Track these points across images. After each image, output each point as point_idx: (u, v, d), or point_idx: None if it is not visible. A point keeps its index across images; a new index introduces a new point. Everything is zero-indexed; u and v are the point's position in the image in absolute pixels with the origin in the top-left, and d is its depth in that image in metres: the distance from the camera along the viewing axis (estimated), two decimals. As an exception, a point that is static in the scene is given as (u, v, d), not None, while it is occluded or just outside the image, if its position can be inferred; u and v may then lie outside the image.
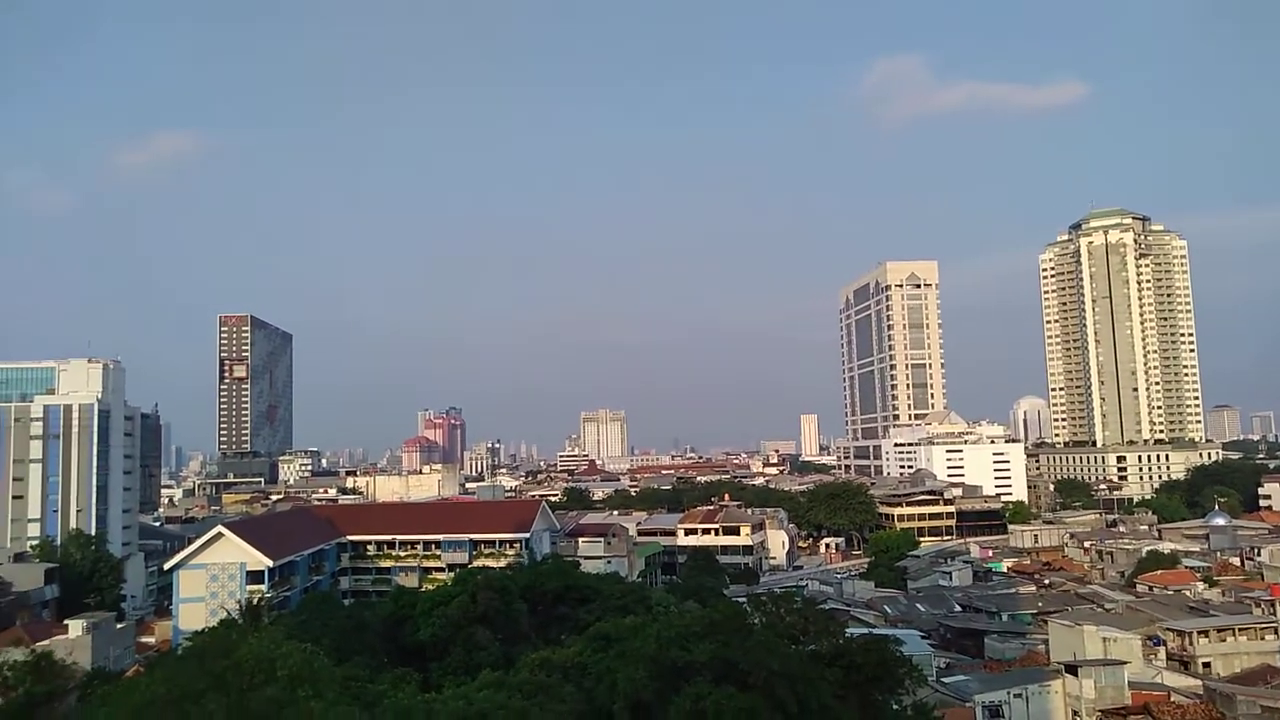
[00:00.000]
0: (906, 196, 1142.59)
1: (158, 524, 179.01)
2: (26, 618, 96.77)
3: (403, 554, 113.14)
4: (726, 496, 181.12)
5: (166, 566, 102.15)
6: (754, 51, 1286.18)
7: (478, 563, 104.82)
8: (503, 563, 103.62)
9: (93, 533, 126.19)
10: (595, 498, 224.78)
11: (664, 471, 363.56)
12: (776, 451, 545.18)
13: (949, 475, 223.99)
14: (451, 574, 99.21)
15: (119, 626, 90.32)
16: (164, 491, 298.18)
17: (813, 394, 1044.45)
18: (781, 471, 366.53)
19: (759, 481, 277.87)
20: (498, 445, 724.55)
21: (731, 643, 44.31)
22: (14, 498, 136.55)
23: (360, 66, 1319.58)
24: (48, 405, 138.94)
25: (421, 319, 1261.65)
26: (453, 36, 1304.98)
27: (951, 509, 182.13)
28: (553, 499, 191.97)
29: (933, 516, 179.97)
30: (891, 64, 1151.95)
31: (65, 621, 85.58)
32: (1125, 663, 61.24)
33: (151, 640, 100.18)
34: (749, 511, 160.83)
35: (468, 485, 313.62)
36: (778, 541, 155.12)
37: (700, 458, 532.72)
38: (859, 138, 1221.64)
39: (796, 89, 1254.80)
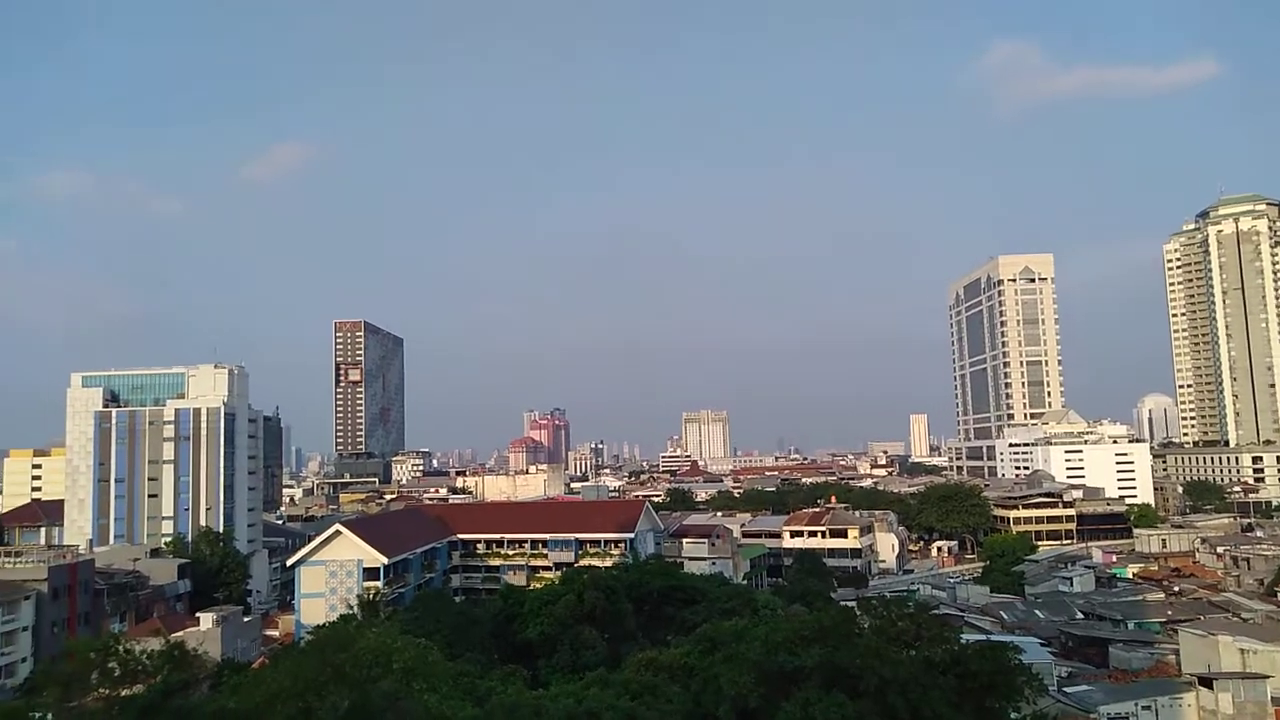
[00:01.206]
0: (1020, 188, 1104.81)
1: (280, 522, 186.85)
2: (162, 610, 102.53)
3: (511, 552, 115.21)
4: (833, 498, 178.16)
5: (289, 563, 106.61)
6: (860, 43, 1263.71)
7: (583, 562, 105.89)
8: (608, 562, 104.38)
9: (221, 530, 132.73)
10: (698, 499, 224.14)
11: (768, 473, 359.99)
12: (884, 452, 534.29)
13: (1068, 477, 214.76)
14: (558, 573, 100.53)
15: (246, 620, 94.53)
16: (285, 491, 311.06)
17: (922, 393, 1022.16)
18: (890, 473, 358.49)
19: (867, 483, 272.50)
20: (601, 446, 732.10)
21: (841, 648, 43.38)
22: (149, 496, 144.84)
23: (467, 80, 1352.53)
24: (179, 409, 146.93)
25: (527, 321, 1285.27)
26: (543, 55, 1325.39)
27: (1071, 512, 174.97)
28: (656, 499, 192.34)
29: (1051, 520, 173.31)
30: (1005, 50, 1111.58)
31: (197, 614, 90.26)
32: (1268, 677, 57.45)
33: (275, 633, 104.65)
34: (857, 514, 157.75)
35: (572, 485, 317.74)
36: (887, 544, 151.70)
37: (805, 459, 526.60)
38: (969, 128, 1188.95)
39: (903, 80, 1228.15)
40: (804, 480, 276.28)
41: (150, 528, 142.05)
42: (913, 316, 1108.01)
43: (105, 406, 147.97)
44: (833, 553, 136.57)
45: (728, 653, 51.37)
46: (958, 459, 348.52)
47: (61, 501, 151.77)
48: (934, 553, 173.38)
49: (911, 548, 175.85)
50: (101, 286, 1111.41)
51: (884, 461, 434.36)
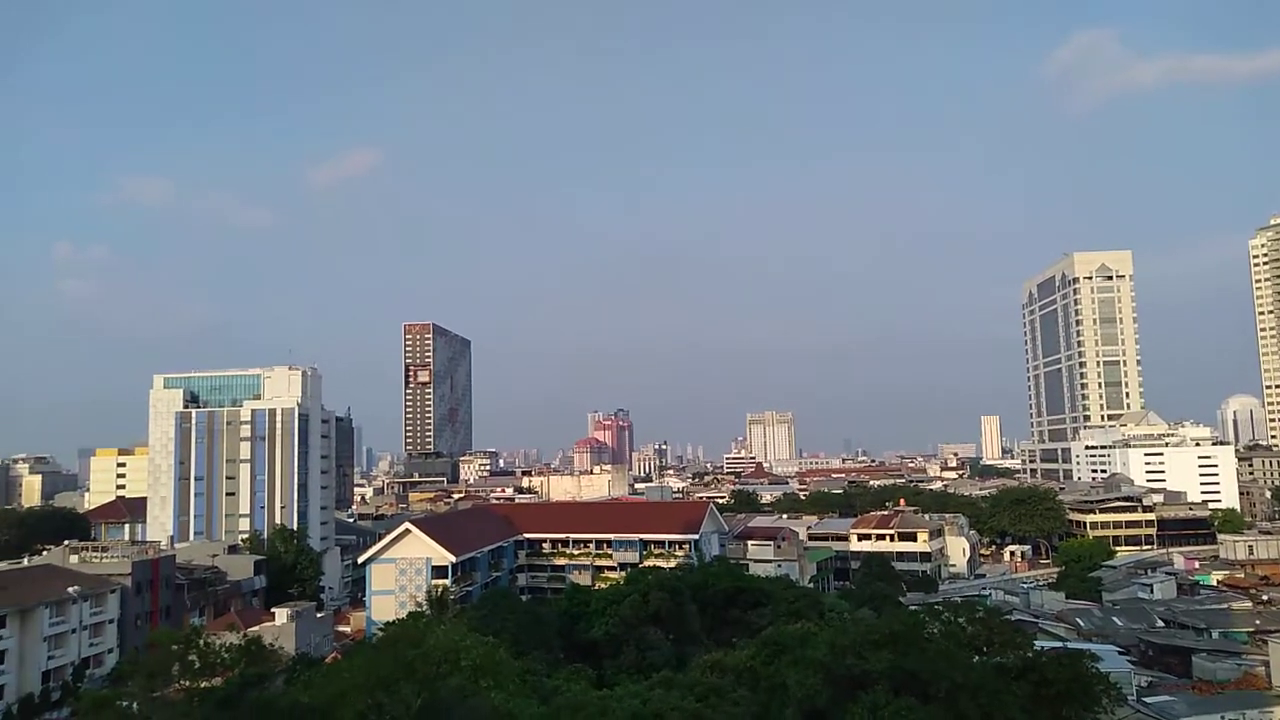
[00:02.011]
0: (1096, 183, 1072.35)
1: (351, 520, 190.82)
2: (239, 605, 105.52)
3: (576, 552, 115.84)
4: (902, 501, 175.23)
5: (360, 560, 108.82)
6: (928, 36, 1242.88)
7: (648, 562, 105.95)
8: (672, 563, 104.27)
9: (295, 528, 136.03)
10: (763, 501, 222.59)
11: (834, 475, 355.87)
12: (955, 455, 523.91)
13: (1148, 480, 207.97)
14: (623, 573, 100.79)
15: (319, 615, 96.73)
16: (356, 490, 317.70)
17: (994, 394, 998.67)
18: (961, 475, 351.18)
19: (936, 486, 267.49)
20: (664, 447, 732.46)
21: (911, 653, 42.68)
22: (227, 494, 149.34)
23: (533, 81, 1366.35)
24: (255, 410, 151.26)
25: (592, 322, 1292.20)
26: (620, 60, 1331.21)
27: (1151, 517, 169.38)
28: (720, 501, 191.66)
29: (1130, 525, 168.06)
30: (1082, 40, 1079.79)
31: (272, 609, 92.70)
32: (1364, 691, 54.85)
33: (347, 629, 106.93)
34: (926, 517, 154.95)
35: (636, 486, 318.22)
36: (958, 548, 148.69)
37: (873, 461, 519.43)
38: (1043, 122, 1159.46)
39: (976, 74, 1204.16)
40: (872, 483, 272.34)
41: (228, 525, 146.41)
42: (984, 316, 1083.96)
43: (186, 407, 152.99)
44: (901, 556, 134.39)
45: (794, 656, 50.89)
46: (1031, 461, 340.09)
47: (145, 499, 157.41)
48: (1006, 557, 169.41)
49: (983, 552, 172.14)
50: (183, 291, 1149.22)
51: (954, 464, 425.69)
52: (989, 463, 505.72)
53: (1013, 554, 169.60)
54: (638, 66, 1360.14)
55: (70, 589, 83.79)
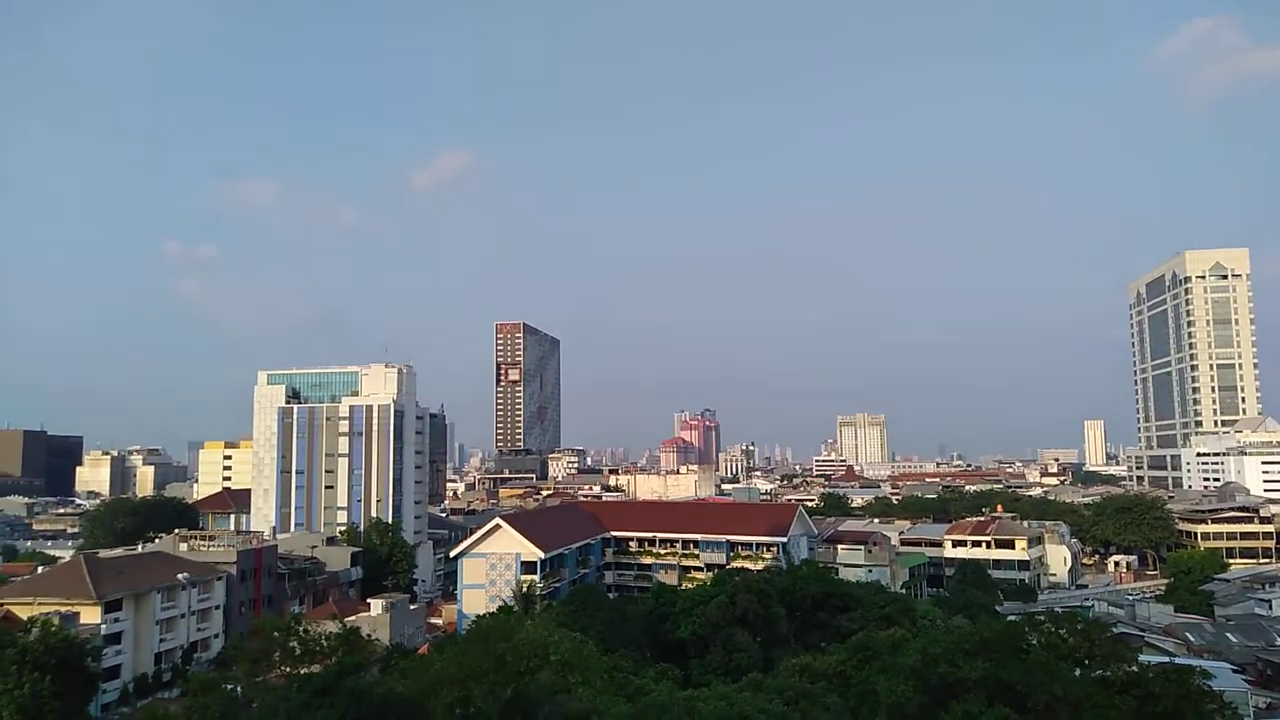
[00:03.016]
0: (1210, 178, 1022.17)
1: (444, 515, 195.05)
2: (337, 594, 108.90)
3: (663, 551, 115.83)
4: (999, 507, 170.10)
5: (451, 554, 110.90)
6: (1037, 26, 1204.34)
7: (735, 564, 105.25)
8: (759, 565, 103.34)
9: (390, 521, 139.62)
10: (854, 504, 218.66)
11: (928, 479, 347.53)
12: (1056, 460, 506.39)
13: (1265, 490, 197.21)
14: (710, 574, 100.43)
15: (412, 607, 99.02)
16: (448, 485, 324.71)
17: (1098, 398, 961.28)
18: (1062, 482, 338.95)
19: (1036, 492, 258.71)
20: (752, 448, 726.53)
21: (1007, 662, 41.25)
22: (326, 488, 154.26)
23: (625, 78, 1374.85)
24: (353, 406, 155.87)
25: (679, 322, 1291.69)
26: (688, 57, 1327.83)
27: (1270, 528, 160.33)
28: (809, 504, 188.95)
29: (1245, 536, 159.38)
30: (1198, 28, 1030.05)
31: (368, 600, 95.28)
32: None
33: (439, 621, 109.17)
34: (1025, 524, 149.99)
35: (723, 487, 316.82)
36: (1058, 557, 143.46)
37: (969, 465, 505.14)
38: (1152, 113, 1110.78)
39: (1082, 64, 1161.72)
40: (967, 488, 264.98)
41: (326, 517, 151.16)
42: (1089, 317, 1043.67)
43: (288, 403, 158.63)
44: (998, 564, 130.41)
45: (885, 662, 49.85)
46: (1138, 468, 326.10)
47: (249, 490, 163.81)
48: (1110, 567, 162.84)
49: (1085, 561, 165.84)
50: (286, 289, 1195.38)
51: (1055, 470, 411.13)
52: (1092, 469, 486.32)
53: (1117, 564, 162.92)
54: (745, 57, 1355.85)
55: (180, 576, 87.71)
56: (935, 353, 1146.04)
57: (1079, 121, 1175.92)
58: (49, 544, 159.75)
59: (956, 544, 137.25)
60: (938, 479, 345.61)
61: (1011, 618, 61.10)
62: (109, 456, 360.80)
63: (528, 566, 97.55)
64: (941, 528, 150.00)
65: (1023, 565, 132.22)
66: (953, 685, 41.06)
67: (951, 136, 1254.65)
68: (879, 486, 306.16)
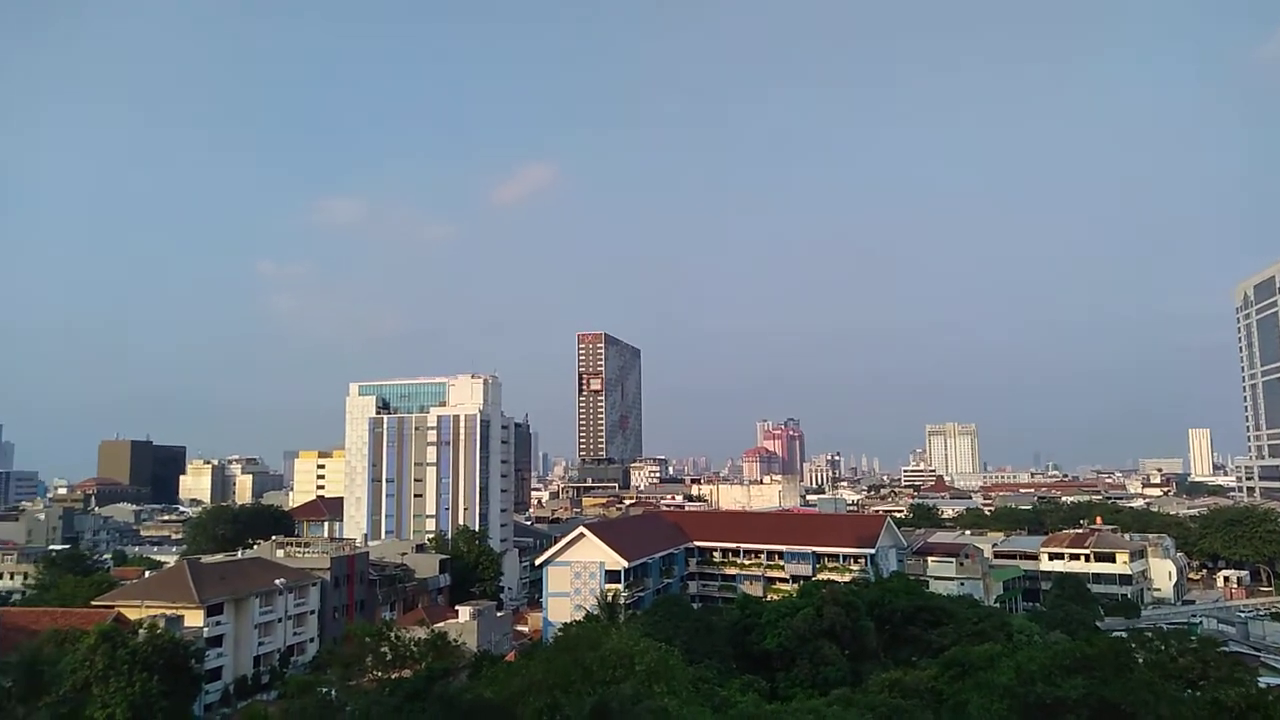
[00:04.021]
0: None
1: (529, 523, 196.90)
2: (426, 601, 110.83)
3: (747, 562, 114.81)
4: (1099, 519, 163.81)
5: (537, 562, 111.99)
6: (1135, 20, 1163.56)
7: (821, 575, 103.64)
8: (846, 577, 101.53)
9: (476, 529, 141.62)
10: (944, 515, 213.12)
11: (1022, 490, 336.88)
12: (1159, 470, 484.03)
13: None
14: (795, 585, 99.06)
15: (499, 614, 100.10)
16: (533, 493, 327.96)
17: (1204, 406, 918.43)
18: (1166, 493, 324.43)
19: (1138, 503, 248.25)
20: (837, 458, 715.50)
21: (1110, 682, 39.56)
22: (415, 496, 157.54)
23: (706, 79, 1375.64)
24: (440, 416, 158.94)
25: (763, 330, 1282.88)
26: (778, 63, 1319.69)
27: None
28: (898, 515, 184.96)
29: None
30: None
31: (456, 607, 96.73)
32: None
33: (525, 629, 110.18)
34: (1126, 536, 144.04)
35: (808, 497, 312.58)
36: (1162, 571, 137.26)
37: (1065, 476, 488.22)
38: (1258, 110, 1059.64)
39: (1181, 61, 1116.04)
40: (1064, 499, 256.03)
41: (415, 525, 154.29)
42: (1192, 320, 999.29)
43: (378, 413, 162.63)
44: (1098, 578, 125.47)
45: (980, 679, 48.35)
46: (1248, 479, 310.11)
47: (341, 498, 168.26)
48: (1220, 583, 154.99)
49: (1192, 576, 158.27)
50: (375, 303, 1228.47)
51: (1158, 480, 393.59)
52: (1198, 479, 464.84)
53: (1227, 579, 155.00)
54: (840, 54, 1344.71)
55: (277, 581, 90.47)
56: (1028, 358, 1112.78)
57: (1180, 117, 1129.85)
58: (155, 549, 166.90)
59: (1053, 557, 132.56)
60: (1032, 489, 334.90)
61: (1115, 634, 58.69)
62: (210, 466, 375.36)
63: (611, 575, 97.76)
64: (1037, 540, 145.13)
65: (1124, 579, 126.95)
66: (1051, 705, 39.53)
67: (1045, 135, 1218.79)
68: (970, 497, 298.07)
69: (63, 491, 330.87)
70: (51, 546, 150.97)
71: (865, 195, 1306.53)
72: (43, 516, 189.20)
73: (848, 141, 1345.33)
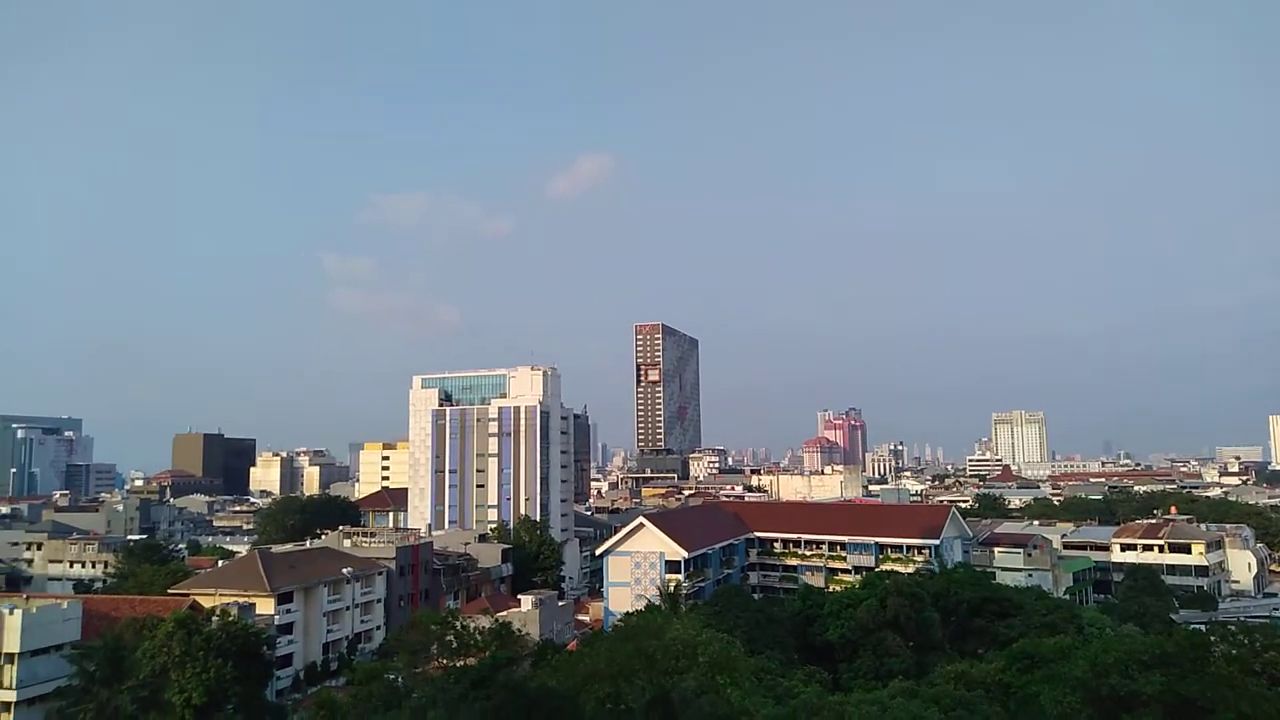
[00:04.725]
0: None
1: (589, 513, 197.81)
2: (489, 590, 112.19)
3: (808, 553, 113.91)
4: (1173, 509, 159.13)
5: (597, 552, 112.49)
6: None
7: (884, 567, 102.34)
8: (910, 568, 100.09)
9: (537, 519, 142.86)
10: (1011, 505, 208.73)
11: (1092, 479, 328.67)
12: (1237, 458, 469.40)
13: None
14: (858, 576, 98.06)
15: (560, 604, 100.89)
16: (592, 484, 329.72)
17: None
18: (1244, 481, 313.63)
19: (1214, 493, 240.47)
20: (900, 447, 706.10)
21: (1188, 676, 38.34)
22: (477, 486, 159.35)
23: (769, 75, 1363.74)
24: (501, 407, 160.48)
25: (822, 318, 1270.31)
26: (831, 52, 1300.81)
27: None
28: (963, 505, 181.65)
29: None
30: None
31: (518, 596, 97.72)
32: None
33: (586, 618, 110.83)
34: (1202, 527, 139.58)
35: (870, 488, 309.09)
36: (1241, 563, 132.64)
37: (1137, 464, 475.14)
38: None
39: (1244, 44, 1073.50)
40: (1136, 488, 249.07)
41: (478, 515, 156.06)
42: (1273, 304, 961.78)
43: (440, 405, 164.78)
44: (1172, 569, 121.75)
45: (1049, 671, 47.34)
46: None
47: (406, 489, 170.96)
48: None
49: (1274, 568, 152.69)
50: (437, 297, 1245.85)
51: (1236, 469, 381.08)
52: (1278, 468, 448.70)
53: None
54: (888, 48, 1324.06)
55: (344, 570, 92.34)
56: (1098, 344, 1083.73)
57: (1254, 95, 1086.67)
58: (227, 539, 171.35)
59: (1125, 548, 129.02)
60: (1103, 479, 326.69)
61: (1193, 627, 56.91)
62: (279, 458, 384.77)
63: (671, 566, 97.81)
64: (1108, 530, 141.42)
65: (1200, 571, 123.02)
66: (1126, 699, 38.51)
67: (1106, 119, 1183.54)
68: (1038, 487, 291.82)
69: (139, 483, 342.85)
70: (129, 536, 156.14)
71: (930, 189, 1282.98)
72: (121, 508, 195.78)
73: (914, 137, 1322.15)
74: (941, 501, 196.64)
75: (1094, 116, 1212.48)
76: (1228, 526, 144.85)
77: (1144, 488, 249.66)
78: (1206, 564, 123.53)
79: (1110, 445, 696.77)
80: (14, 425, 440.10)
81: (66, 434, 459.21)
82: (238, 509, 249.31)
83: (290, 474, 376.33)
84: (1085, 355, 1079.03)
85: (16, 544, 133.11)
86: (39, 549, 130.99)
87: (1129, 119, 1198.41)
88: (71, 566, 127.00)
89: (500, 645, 67.72)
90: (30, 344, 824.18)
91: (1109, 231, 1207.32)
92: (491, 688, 42.11)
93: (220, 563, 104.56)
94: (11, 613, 59.13)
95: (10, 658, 57.95)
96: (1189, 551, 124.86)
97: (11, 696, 57.47)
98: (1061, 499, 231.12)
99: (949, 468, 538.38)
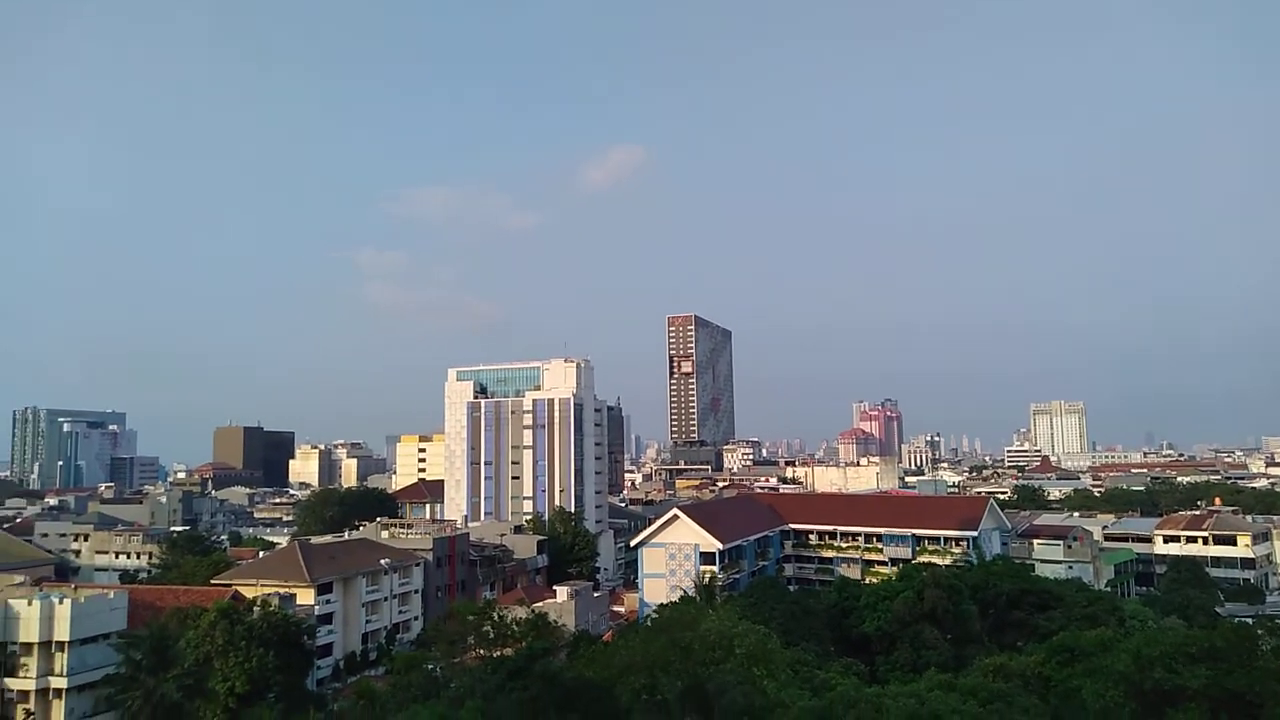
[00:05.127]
0: None
1: (623, 504, 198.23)
2: (524, 581, 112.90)
3: (844, 545, 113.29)
4: (1218, 500, 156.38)
5: (632, 544, 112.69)
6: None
7: (921, 559, 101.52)
8: (947, 560, 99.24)
9: (572, 510, 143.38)
10: (1050, 497, 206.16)
11: (1134, 470, 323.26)
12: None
13: None
14: (894, 568, 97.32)
15: (595, 595, 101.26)
16: (626, 476, 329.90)
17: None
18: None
19: (1261, 484, 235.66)
20: (937, 438, 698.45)
21: (1236, 671, 37.66)
22: (512, 478, 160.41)
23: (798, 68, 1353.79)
24: (535, 399, 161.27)
25: (855, 309, 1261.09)
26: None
27: None
28: (1001, 496, 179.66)
29: None
30: None
31: (554, 587, 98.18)
32: None
33: (621, 609, 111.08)
34: (1248, 518, 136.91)
35: (906, 479, 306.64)
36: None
37: (1180, 455, 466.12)
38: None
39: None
40: (1179, 479, 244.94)
41: (513, 506, 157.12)
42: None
43: (475, 398, 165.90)
44: (1217, 561, 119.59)
45: (1091, 664, 46.76)
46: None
47: (442, 481, 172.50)
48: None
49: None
50: (467, 290, 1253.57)
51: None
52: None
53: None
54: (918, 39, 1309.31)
55: (382, 561, 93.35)
56: (1136, 334, 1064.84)
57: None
58: (267, 530, 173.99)
59: (1168, 539, 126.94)
60: (1145, 470, 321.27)
61: (1239, 620, 55.82)
62: (317, 450, 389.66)
63: (706, 557, 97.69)
64: (1151, 522, 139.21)
65: (1247, 563, 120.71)
66: (1171, 693, 37.92)
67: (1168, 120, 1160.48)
68: (1078, 478, 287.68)
69: (181, 475, 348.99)
70: (173, 528, 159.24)
71: (968, 179, 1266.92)
72: (164, 499, 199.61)
73: (951, 128, 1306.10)
74: (979, 493, 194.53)
75: (1141, 97, 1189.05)
76: (1275, 518, 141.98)
77: (1187, 478, 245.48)
78: (1253, 556, 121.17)
79: (1152, 436, 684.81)
80: (60, 419, 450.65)
81: (111, 428, 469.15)
82: (277, 501, 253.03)
83: (328, 466, 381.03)
84: (1126, 347, 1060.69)
85: (65, 535, 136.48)
86: (86, 540, 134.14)
87: (1165, 99, 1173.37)
88: (117, 557, 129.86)
89: (536, 636, 68.17)
90: (74, 341, 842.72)
91: (1149, 214, 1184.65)
92: (528, 678, 42.45)
93: (261, 554, 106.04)
94: (61, 602, 60.48)
95: (60, 645, 59.30)
96: (1234, 543, 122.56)
97: (63, 683, 58.85)
98: (1102, 490, 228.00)
99: (987, 459, 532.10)
